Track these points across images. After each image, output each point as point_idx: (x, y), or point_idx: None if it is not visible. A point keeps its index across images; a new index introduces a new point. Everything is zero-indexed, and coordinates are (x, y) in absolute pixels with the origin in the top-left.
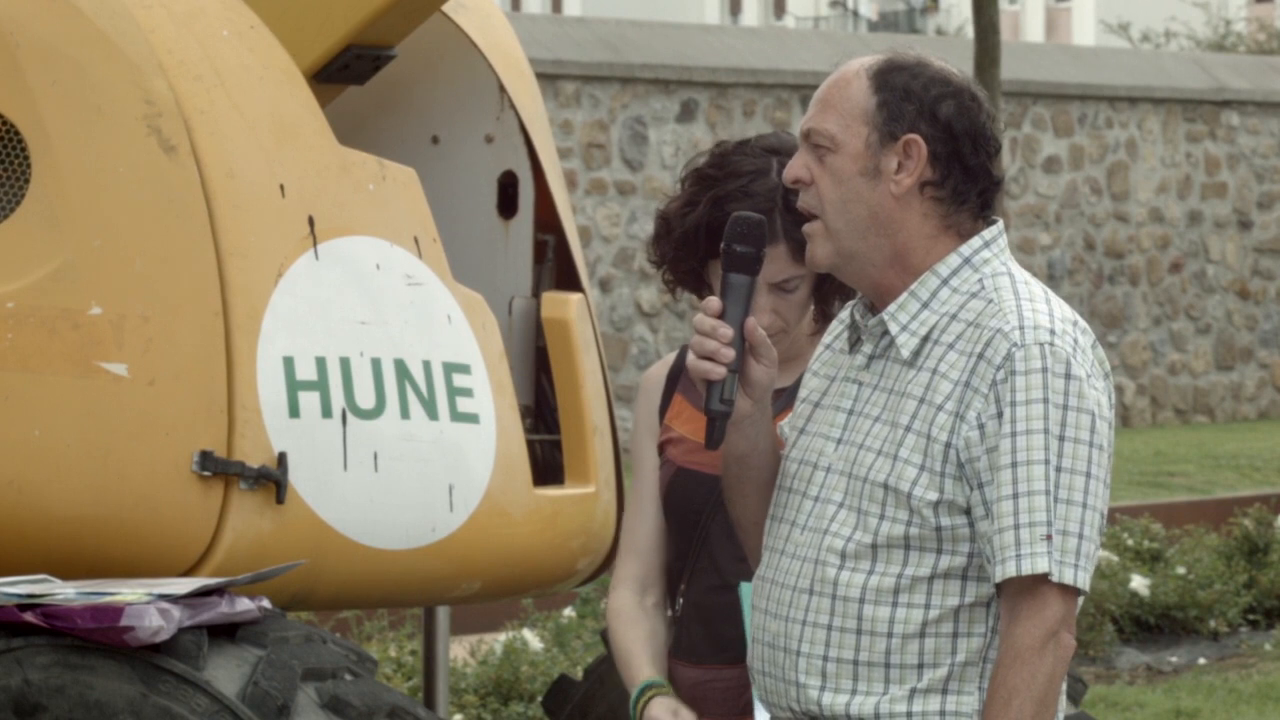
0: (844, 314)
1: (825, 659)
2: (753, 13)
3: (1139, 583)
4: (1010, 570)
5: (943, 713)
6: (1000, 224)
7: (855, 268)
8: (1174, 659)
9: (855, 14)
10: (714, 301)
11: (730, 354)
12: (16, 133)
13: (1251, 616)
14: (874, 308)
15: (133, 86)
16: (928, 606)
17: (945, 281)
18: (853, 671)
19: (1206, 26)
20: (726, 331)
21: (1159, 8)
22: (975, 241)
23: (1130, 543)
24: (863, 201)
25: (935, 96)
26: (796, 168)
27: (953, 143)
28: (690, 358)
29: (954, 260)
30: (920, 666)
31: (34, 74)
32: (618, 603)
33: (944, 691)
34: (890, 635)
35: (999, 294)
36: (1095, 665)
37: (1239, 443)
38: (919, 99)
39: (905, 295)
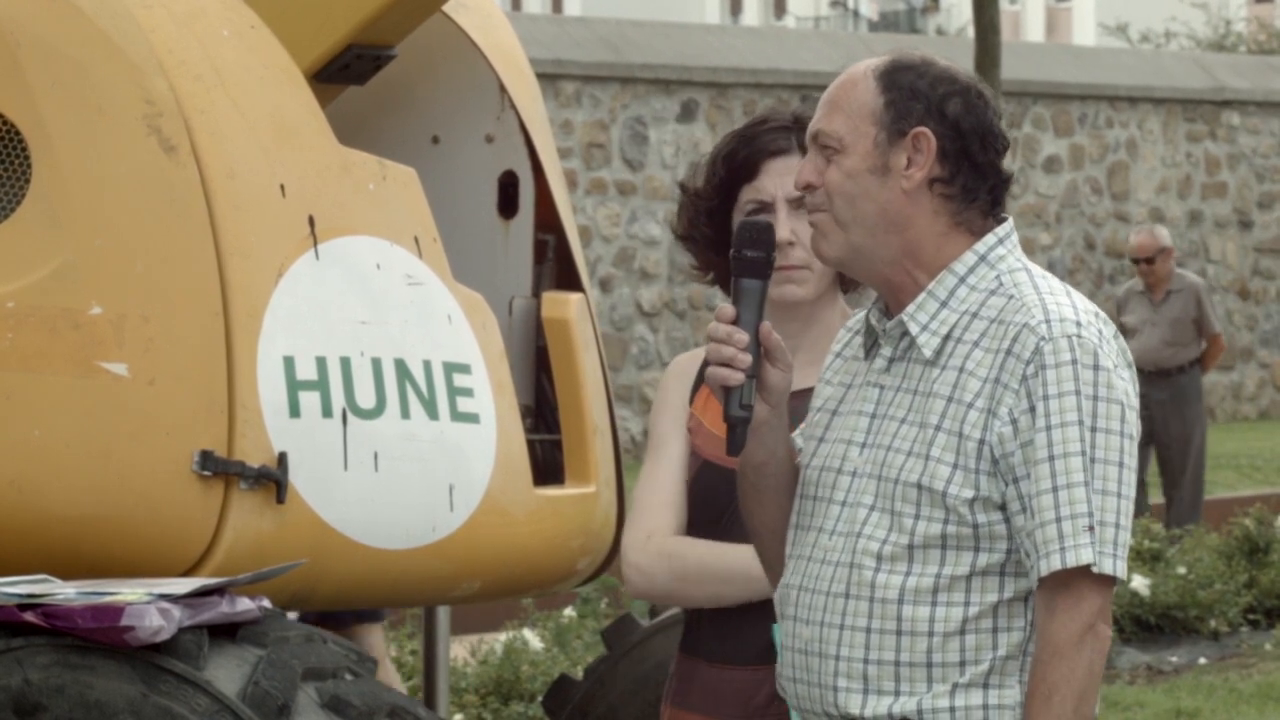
0: (852, 323)
1: (866, 661)
2: (753, 13)
3: (1139, 582)
4: (1056, 564)
5: (985, 706)
6: (1011, 221)
7: (864, 263)
8: (1174, 659)
9: (856, 14)
10: (728, 308)
11: (747, 359)
12: (17, 133)
13: (1252, 616)
14: (888, 310)
15: (133, 86)
16: (967, 604)
17: (963, 280)
18: (894, 673)
19: (1206, 26)
20: (742, 337)
21: (1159, 8)
22: (990, 239)
23: (1130, 542)
24: (873, 199)
25: (942, 95)
26: (807, 172)
27: (961, 140)
28: (709, 366)
29: (970, 258)
30: (962, 663)
31: (35, 74)
32: (673, 540)
33: (985, 685)
34: (931, 634)
35: (1019, 289)
36: None
37: (1239, 443)
38: (926, 97)
39: (923, 295)
